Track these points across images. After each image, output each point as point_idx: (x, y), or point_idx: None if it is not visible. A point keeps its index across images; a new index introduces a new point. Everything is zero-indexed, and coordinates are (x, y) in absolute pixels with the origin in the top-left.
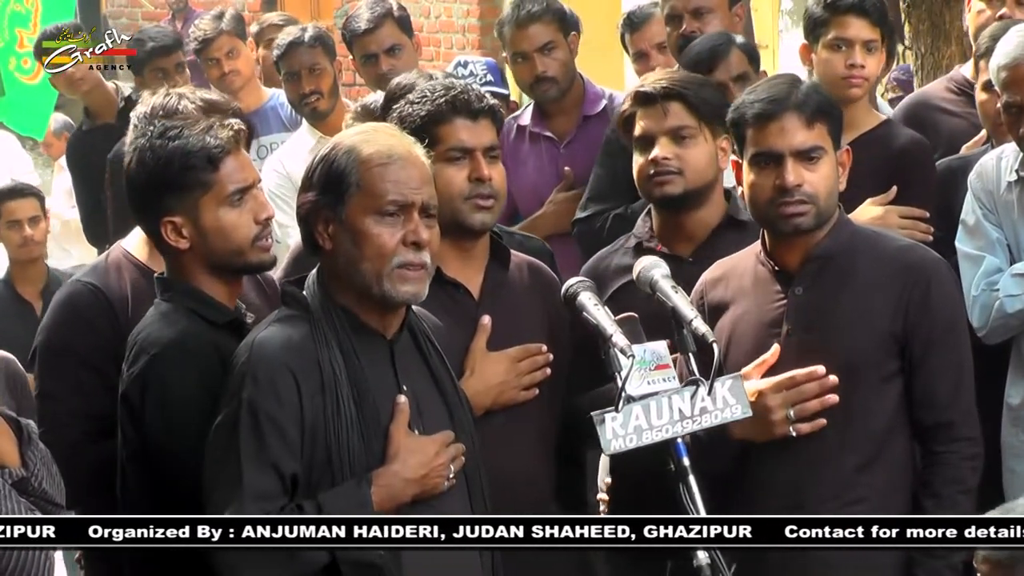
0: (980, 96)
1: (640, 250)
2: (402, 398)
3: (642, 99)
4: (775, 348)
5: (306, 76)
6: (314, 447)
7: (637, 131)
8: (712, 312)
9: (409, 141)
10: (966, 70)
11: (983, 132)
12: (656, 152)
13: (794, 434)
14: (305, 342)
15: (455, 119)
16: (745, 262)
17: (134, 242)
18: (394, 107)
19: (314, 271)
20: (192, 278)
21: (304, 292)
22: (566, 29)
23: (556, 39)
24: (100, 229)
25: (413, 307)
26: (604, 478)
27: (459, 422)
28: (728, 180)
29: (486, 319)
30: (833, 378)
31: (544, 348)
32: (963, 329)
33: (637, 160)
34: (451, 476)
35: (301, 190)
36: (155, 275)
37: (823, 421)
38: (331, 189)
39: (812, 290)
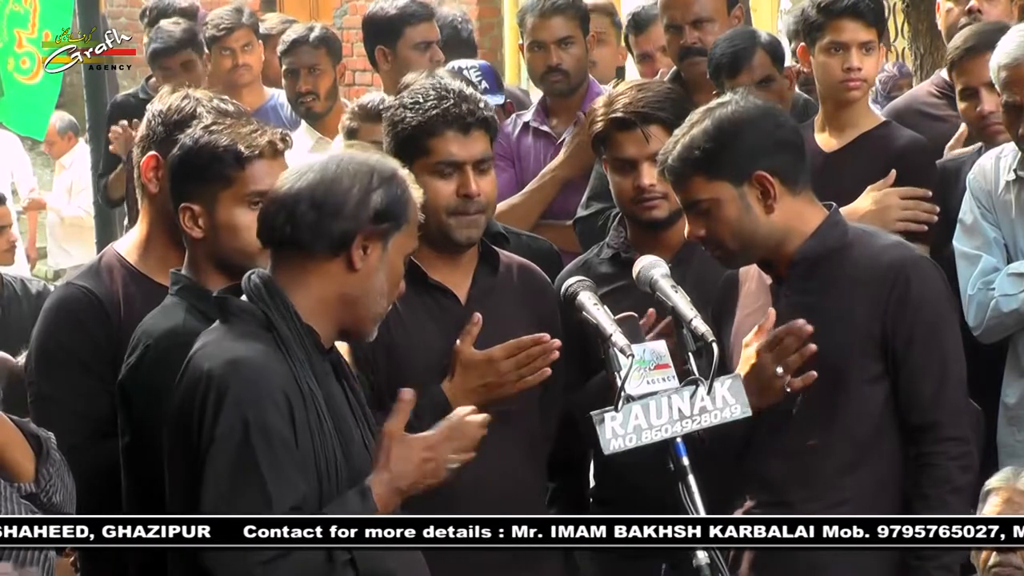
0: (961, 105)
1: (618, 260)
2: (408, 393)
3: (620, 124)
4: (771, 312)
5: (305, 75)
6: (305, 464)
7: (617, 152)
8: (727, 316)
9: None
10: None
11: (962, 129)
12: (643, 180)
13: (788, 390)
14: (279, 360)
15: (446, 132)
16: (754, 267)
17: (126, 245)
18: (386, 111)
19: (260, 284)
20: (200, 270)
21: (254, 307)
22: (586, 28)
23: (576, 35)
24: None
25: None
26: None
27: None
28: None
29: (476, 316)
30: (809, 327)
31: (529, 340)
32: (948, 328)
33: (618, 180)
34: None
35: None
36: (171, 270)
37: (813, 374)
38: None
39: (801, 292)
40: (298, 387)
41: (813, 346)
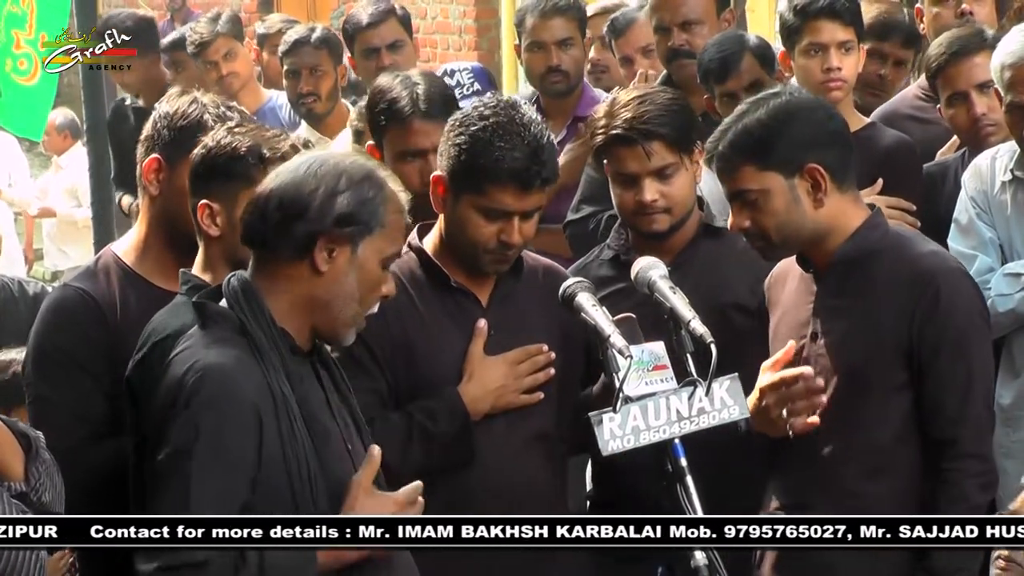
0: (947, 112)
1: (617, 262)
2: (375, 449)
3: (621, 140)
4: (790, 344)
5: (306, 76)
6: (271, 473)
7: (619, 167)
8: (768, 312)
9: None
10: None
11: (955, 138)
12: (644, 195)
13: (791, 433)
14: (252, 367)
15: (508, 185)
16: (796, 266)
17: (124, 246)
18: (452, 123)
19: (238, 288)
20: (214, 269)
21: (231, 312)
22: (584, 31)
23: (575, 37)
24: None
25: None
26: None
27: (364, 430)
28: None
29: (482, 323)
30: (820, 381)
31: (545, 348)
32: (977, 341)
33: (620, 193)
34: None
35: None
36: (181, 270)
37: (816, 420)
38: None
39: (836, 294)
40: (270, 393)
41: (823, 398)
